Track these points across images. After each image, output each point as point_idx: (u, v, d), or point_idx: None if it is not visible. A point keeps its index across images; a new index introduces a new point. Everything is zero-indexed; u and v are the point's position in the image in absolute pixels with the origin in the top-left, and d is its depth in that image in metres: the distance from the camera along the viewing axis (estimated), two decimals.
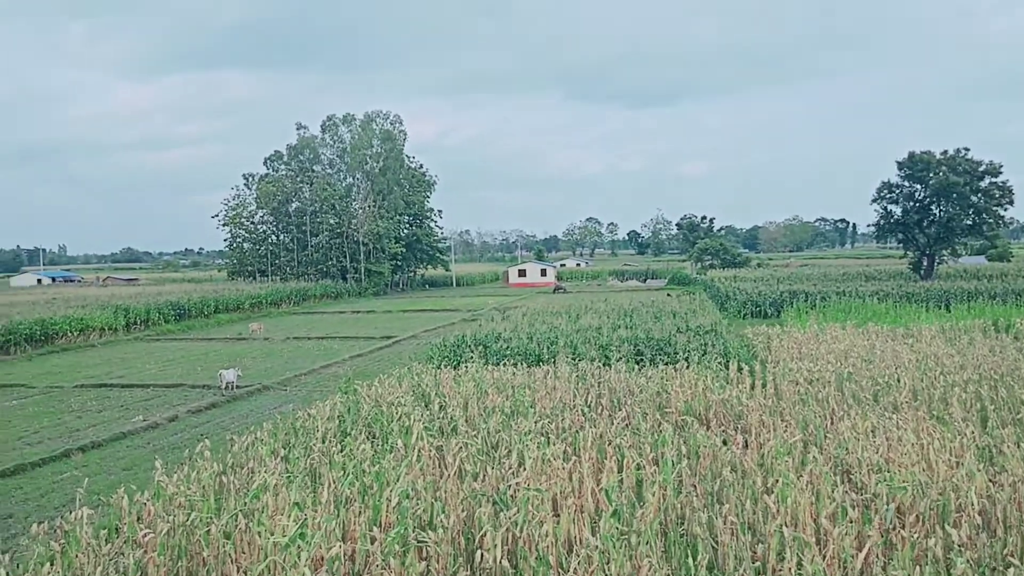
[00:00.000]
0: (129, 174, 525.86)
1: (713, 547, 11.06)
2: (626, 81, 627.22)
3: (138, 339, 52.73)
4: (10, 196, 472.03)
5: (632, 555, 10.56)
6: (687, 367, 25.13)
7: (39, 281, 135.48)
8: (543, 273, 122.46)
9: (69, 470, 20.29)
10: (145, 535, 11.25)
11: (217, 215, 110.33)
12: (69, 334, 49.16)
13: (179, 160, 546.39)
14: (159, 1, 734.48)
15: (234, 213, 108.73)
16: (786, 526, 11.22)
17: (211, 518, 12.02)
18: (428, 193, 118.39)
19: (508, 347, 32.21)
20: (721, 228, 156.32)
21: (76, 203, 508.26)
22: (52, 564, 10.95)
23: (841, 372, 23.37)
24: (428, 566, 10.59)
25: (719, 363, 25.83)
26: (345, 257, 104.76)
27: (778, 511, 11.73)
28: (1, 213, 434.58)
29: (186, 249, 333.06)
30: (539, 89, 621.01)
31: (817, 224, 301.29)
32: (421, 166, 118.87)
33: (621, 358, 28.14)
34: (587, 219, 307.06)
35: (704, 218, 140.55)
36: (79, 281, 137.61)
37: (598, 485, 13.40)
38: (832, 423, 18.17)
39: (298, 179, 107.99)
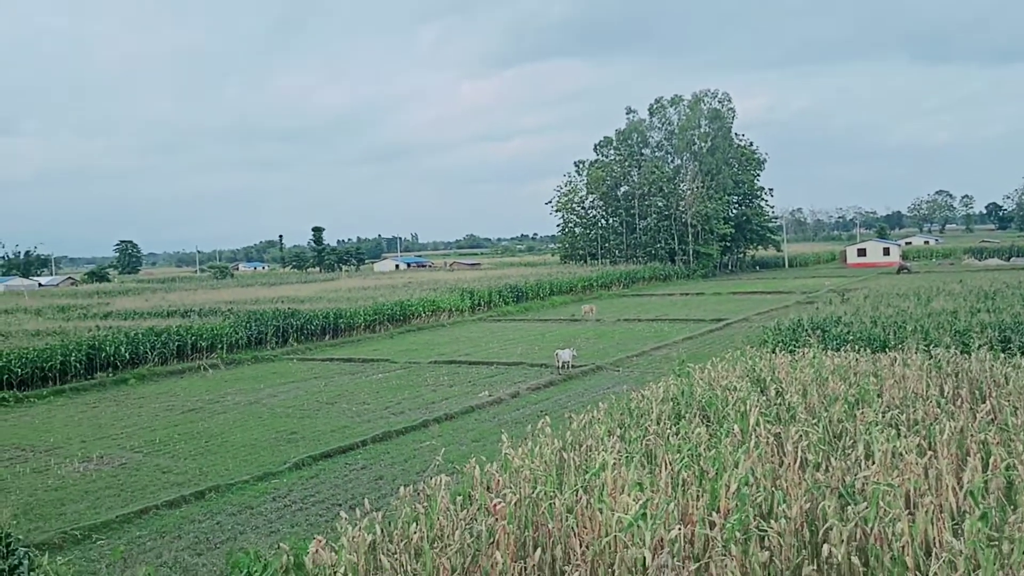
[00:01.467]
0: (472, 166, 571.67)
1: None
2: (986, 36, 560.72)
3: (481, 319, 56.48)
4: (371, 190, 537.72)
5: (1004, 563, 9.47)
6: None
7: (396, 267, 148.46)
8: (886, 252, 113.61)
9: (427, 439, 21.95)
10: (495, 503, 11.79)
11: (550, 201, 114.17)
12: (423, 315, 54.06)
13: (516, 151, 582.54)
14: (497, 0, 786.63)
15: (566, 199, 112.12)
16: None
17: (554, 492, 12.37)
18: (758, 171, 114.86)
19: (849, 331, 30.40)
20: None
21: (426, 195, 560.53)
22: (416, 524, 11.94)
23: None
24: (771, 557, 10.22)
25: None
26: (673, 239, 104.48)
27: None
28: (364, 206, 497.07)
29: (522, 235, 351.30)
30: (878, 54, 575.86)
31: None
32: (751, 144, 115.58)
33: (983, 345, 25.38)
34: (936, 192, 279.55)
35: None
36: (429, 266, 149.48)
37: (959, 484, 12.17)
38: None
39: (626, 163, 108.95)
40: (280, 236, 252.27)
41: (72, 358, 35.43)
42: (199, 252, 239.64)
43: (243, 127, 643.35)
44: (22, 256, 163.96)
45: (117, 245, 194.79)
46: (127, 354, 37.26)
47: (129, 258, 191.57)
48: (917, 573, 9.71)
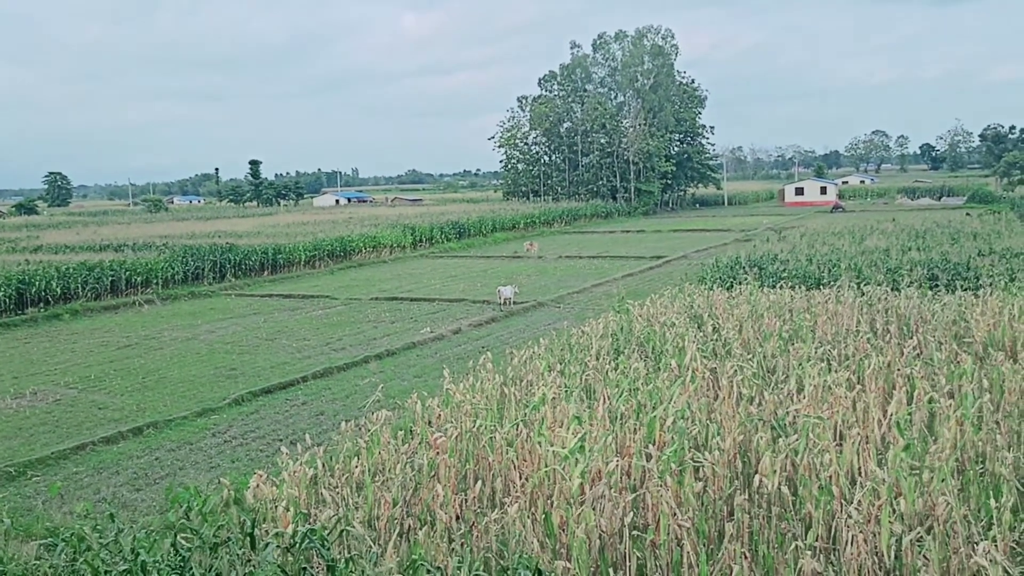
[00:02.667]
0: (414, 100, 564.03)
1: (1019, 489, 10.12)
2: None
3: (423, 256, 56.22)
4: (311, 123, 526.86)
5: (924, 492, 9.91)
6: (991, 294, 22.76)
7: (336, 202, 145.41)
8: (823, 191, 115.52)
9: (368, 375, 21.95)
10: (436, 438, 11.97)
11: (493, 137, 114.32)
12: (363, 251, 53.62)
13: (460, 85, 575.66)
14: None
15: (509, 135, 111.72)
16: None
17: (495, 426, 12.58)
18: (699, 109, 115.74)
19: (785, 269, 30.97)
20: None
21: (367, 129, 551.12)
22: (358, 458, 12.07)
23: None
24: (704, 487, 10.55)
25: None
26: (615, 176, 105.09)
27: None
28: (304, 139, 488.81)
29: (464, 170, 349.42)
30: None
31: None
32: (692, 81, 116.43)
33: (912, 283, 26.16)
34: (873, 132, 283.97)
35: (1013, 128, 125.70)
36: (370, 202, 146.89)
37: (885, 416, 12.65)
38: None
39: (570, 99, 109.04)
40: (216, 169, 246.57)
41: (1, 293, 34.45)
42: (132, 185, 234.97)
43: (177, 56, 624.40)
44: None
45: (46, 177, 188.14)
46: (59, 289, 36.37)
47: (59, 191, 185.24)
48: (843, 501, 10.10)
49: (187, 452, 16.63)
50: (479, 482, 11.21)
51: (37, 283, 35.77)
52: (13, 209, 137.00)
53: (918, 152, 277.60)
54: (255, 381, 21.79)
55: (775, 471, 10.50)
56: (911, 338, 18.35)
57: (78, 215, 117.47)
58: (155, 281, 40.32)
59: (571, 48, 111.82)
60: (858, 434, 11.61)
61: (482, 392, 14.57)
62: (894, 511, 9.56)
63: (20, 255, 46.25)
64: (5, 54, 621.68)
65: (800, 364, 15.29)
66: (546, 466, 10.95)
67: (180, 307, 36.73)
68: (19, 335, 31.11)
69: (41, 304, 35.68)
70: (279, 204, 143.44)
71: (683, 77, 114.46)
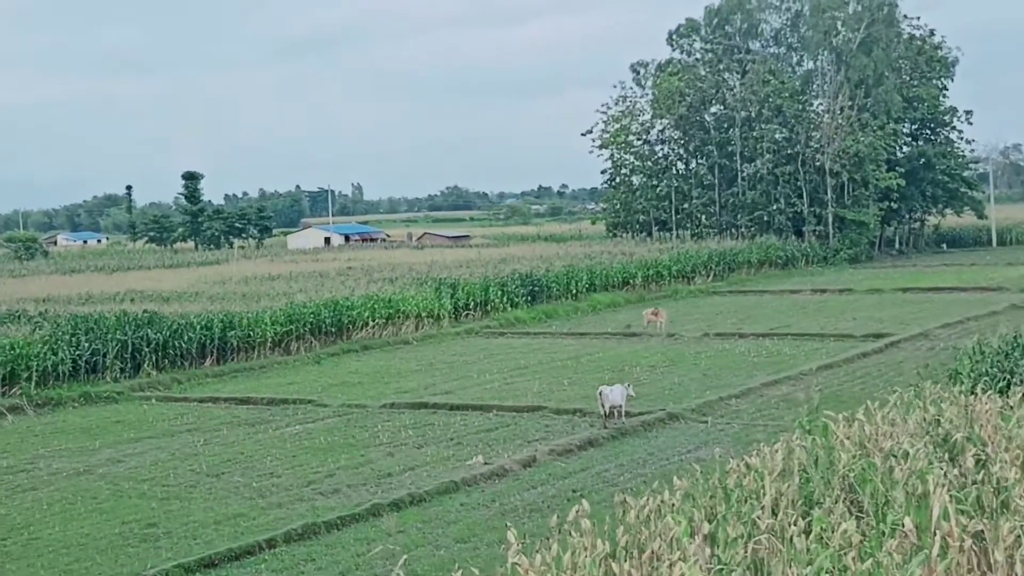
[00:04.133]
0: (451, 69, 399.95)
1: None
2: None
3: (471, 333, 42.13)
4: (280, 109, 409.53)
5: None
6: None
7: (327, 240, 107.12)
8: None
9: (379, 537, 16.74)
10: None
11: (589, 131, 79.42)
12: (371, 324, 39.39)
13: (531, 42, 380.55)
14: None
15: (617, 128, 79.11)
16: None
17: None
18: (946, 81, 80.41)
19: None
20: None
21: (374, 117, 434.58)
22: None
23: None
24: None
25: None
26: (801, 197, 73.05)
27: None
28: (270, 136, 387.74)
29: (539, 187, 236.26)
30: None
31: None
32: (932, 34, 79.89)
33: None
34: None
35: None
36: (383, 240, 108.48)
37: None
38: None
39: (721, 67, 77.41)
40: (128, 188, 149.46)
41: None
42: None
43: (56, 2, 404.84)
44: None
45: None
46: None
47: None
48: None
49: None
50: None
51: None
52: None
53: None
54: (188, 546, 16.80)
55: None
56: None
57: None
58: (24, 377, 29.99)
59: None
60: None
61: (575, 571, 10.57)
62: None
63: None
64: None
65: None
66: None
67: (67, 418, 27.98)
68: None
69: None
70: (231, 245, 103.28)
71: (916, 26, 79.13)
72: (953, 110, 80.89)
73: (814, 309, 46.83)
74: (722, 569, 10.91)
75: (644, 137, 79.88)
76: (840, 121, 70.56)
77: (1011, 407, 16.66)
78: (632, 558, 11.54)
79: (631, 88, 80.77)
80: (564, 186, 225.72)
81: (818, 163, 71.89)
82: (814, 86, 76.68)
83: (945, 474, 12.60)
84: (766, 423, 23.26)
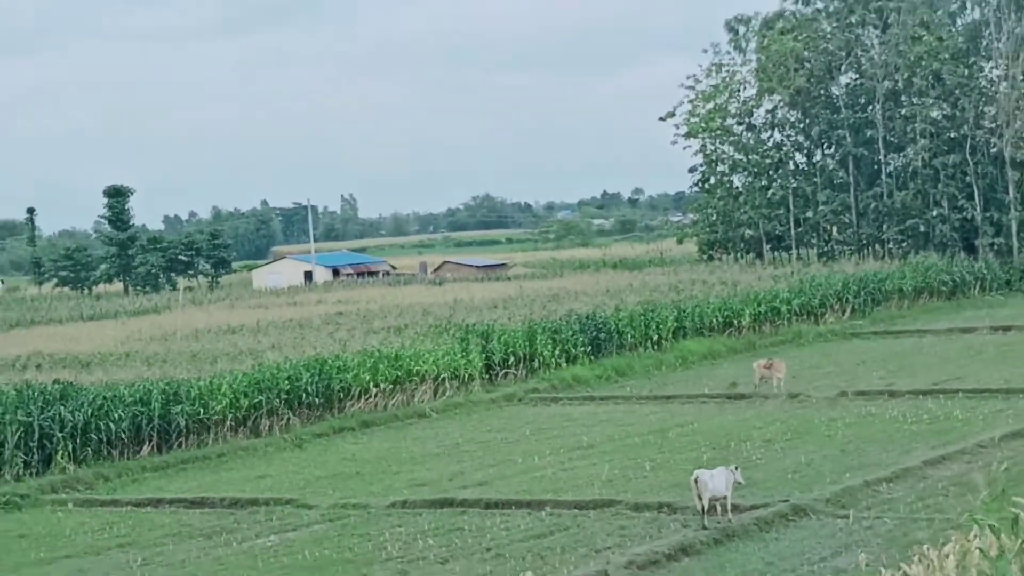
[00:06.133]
0: (474, 34, 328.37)
1: None
2: None
3: (512, 399, 33.81)
4: (238, 94, 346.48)
5: None
6: None
7: (307, 276, 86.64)
8: None
9: None
10: None
11: (670, 114, 64.13)
12: (372, 393, 30.99)
13: None
14: None
15: (711, 108, 63.89)
16: None
17: None
18: None
19: None
20: None
21: (371, 102, 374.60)
22: None
23: None
24: None
25: None
26: (971, 198, 57.28)
27: None
28: (226, 134, 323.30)
29: (604, 193, 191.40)
30: None
31: None
32: None
33: None
34: None
35: None
36: (385, 273, 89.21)
37: None
38: None
39: (851, 20, 60.60)
40: (30, 211, 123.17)
41: None
42: None
43: None
44: None
45: None
46: None
47: None
48: None
49: None
50: None
51: None
52: None
53: None
54: None
55: None
56: None
57: None
58: None
59: None
60: None
61: None
62: None
63: None
64: None
65: None
66: None
67: None
68: None
69: None
70: (174, 287, 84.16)
71: None
72: None
73: (994, 354, 38.14)
74: None
75: (747, 121, 63.14)
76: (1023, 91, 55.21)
77: None
78: None
79: (728, 53, 64.11)
80: (638, 191, 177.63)
81: (994, 150, 56.41)
82: (985, 43, 58.00)
83: None
84: (931, 516, 18.21)
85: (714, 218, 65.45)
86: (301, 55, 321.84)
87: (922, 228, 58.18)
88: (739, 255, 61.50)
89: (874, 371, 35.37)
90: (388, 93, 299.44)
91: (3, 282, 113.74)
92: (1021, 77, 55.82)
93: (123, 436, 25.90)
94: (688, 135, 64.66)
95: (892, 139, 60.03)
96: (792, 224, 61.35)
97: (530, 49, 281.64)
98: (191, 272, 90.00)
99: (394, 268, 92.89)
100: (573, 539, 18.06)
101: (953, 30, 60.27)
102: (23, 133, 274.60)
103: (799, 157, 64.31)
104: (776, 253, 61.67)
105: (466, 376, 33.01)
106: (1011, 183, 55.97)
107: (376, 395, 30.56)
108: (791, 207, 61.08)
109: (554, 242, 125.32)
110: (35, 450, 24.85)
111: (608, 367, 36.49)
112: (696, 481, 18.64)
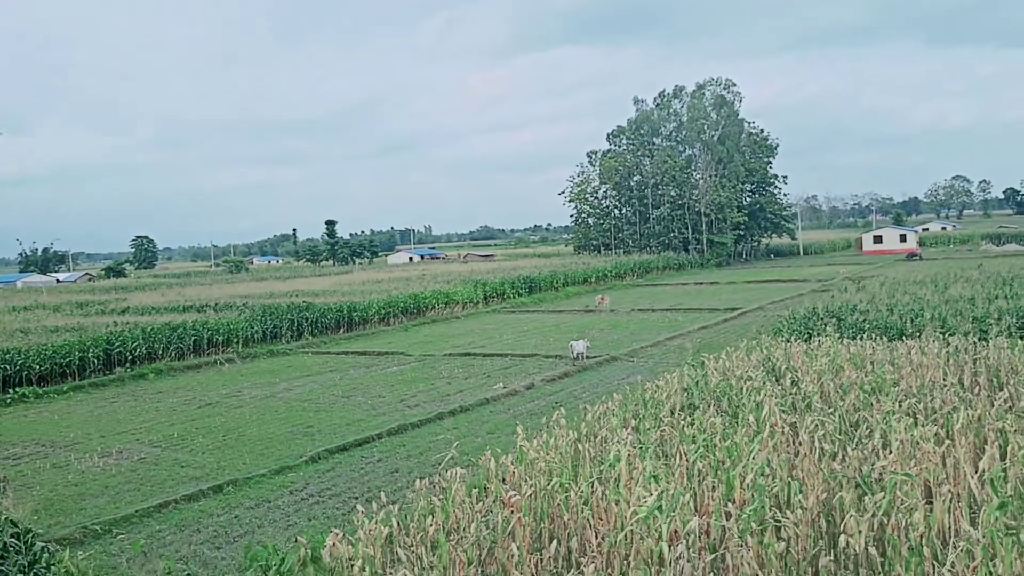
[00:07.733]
0: (484, 156, 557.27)
1: None
2: (999, 17, 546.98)
3: (495, 311, 56.21)
4: (382, 183, 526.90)
5: (1022, 552, 9.40)
6: None
7: (410, 259, 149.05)
8: (902, 239, 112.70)
9: (443, 431, 21.99)
10: (510, 496, 11.79)
11: (563, 192, 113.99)
12: (436, 307, 54.10)
13: (529, 140, 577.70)
14: None
15: (579, 189, 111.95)
16: None
17: (570, 484, 12.38)
18: (770, 158, 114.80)
19: (865, 319, 30.10)
20: None
21: (439, 186, 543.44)
22: (432, 516, 12.01)
23: None
24: (787, 547, 10.19)
25: None
26: (687, 228, 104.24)
27: None
28: (377, 198, 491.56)
29: (535, 225, 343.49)
30: (895, 38, 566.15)
31: None
32: (762, 131, 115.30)
33: (1001, 332, 25.15)
34: (953, 177, 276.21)
35: None
36: (443, 258, 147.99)
37: (977, 473, 12.10)
38: None
39: (639, 153, 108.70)
40: (294, 230, 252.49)
41: (90, 354, 35.69)
42: (214, 247, 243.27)
43: (253, 121, 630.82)
44: (40, 253, 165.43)
45: (133, 241, 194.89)
46: (144, 349, 37.49)
47: (145, 254, 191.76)
48: (935, 563, 9.65)
49: (265, 510, 16.83)
50: (554, 541, 11.04)
51: (124, 344, 36.97)
52: (103, 272, 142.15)
53: (1002, 197, 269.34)
54: (331, 439, 21.92)
55: (861, 531, 10.10)
56: (1001, 390, 17.57)
57: (163, 277, 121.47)
58: (235, 340, 41.26)
59: (635, 104, 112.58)
60: (948, 492, 11.14)
61: (556, 449, 14.40)
62: (990, 573, 9.11)
63: (109, 317, 47.90)
64: (94, 126, 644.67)
65: (884, 418, 14.64)
66: (623, 525, 10.73)
67: (259, 365, 37.38)
68: (107, 395, 32.10)
69: (128, 364, 36.81)
70: (354, 263, 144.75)
71: (752, 127, 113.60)
72: (776, 176, 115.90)
73: (695, 294, 61.91)
74: (642, 445, 13.67)
75: (595, 195, 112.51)
76: (709, 183, 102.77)
77: (812, 349, 22.99)
78: (589, 441, 14.88)
79: (587, 166, 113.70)
80: (549, 224, 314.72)
81: (696, 208, 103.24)
82: (693, 163, 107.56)
83: (772, 389, 17.59)
84: (668, 361, 30.70)
85: (580, 236, 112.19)
86: (409, 164, 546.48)
87: (667, 241, 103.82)
88: (591, 252, 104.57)
89: (645, 300, 57.00)
90: (447, 182, 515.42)
91: (282, 260, 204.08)
92: (709, 177, 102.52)
93: (331, 325, 45.11)
94: (570, 200, 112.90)
95: (655, 203, 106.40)
96: (612, 239, 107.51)
97: (506, 164, 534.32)
98: (361, 256, 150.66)
99: (446, 256, 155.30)
100: (520, 369, 31.28)
101: (680, 157, 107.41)
102: (294, 195, 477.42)
103: (616, 211, 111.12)
104: (606, 251, 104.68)
105: (476, 301, 58.33)
106: (703, 222, 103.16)
107: (436, 308, 53.53)
108: (612, 232, 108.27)
109: (514, 246, 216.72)
110: (295, 330, 43.23)
111: (535, 298, 62.30)
112: (570, 346, 32.27)
